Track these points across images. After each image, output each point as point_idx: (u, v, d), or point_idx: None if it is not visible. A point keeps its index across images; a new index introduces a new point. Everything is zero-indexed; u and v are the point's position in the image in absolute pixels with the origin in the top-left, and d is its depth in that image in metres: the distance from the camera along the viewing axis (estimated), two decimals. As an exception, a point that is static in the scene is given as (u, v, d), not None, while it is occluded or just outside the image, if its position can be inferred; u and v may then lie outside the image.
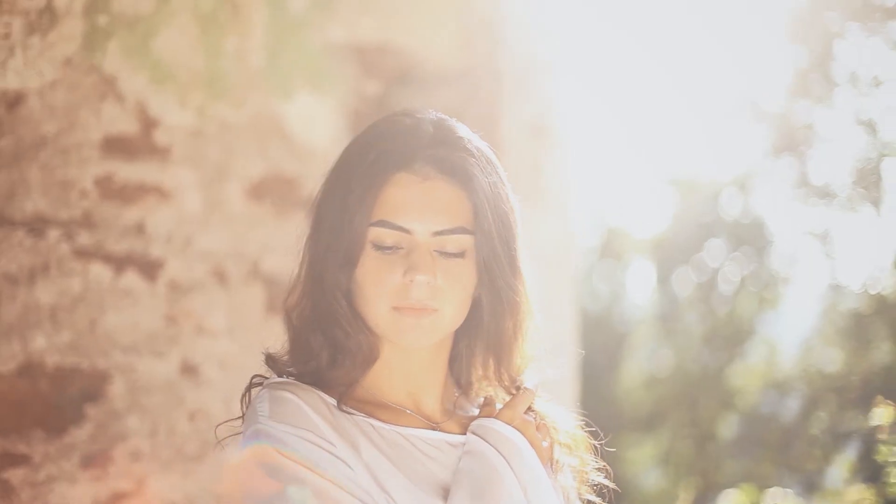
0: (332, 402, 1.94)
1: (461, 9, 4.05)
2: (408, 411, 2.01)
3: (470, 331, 2.04)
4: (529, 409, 2.07)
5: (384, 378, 2.01)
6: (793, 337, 11.46)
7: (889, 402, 5.49)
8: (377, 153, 1.92)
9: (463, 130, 1.99)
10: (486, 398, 2.08)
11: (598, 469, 2.11)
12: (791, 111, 10.88)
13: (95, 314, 3.27)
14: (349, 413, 1.94)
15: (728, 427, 10.83)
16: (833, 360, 10.90)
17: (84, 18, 3.26)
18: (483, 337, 2.04)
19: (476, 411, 2.10)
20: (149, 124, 3.41)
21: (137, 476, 3.31)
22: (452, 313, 1.95)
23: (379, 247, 1.91)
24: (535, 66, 4.12)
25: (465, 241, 1.93)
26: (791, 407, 10.88)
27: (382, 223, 1.90)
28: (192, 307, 3.46)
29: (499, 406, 2.06)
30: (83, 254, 3.26)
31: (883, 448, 5.63)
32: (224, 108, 3.54)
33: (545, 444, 2.05)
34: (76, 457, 3.21)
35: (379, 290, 1.91)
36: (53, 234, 3.20)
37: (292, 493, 1.83)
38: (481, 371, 2.10)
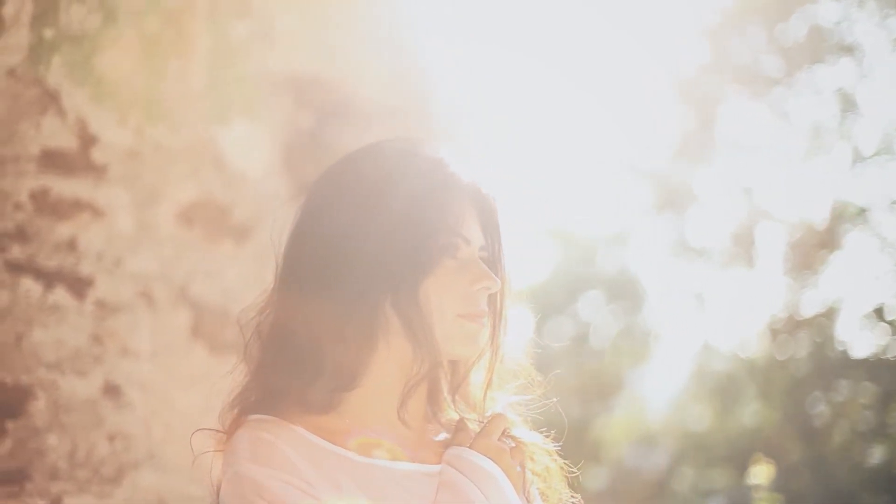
0: (314, 437, 1.96)
1: (394, 49, 4.10)
2: (386, 440, 2.03)
3: None
4: (504, 433, 2.10)
5: (371, 405, 2.03)
6: (662, 393, 11.65)
7: (768, 460, 5.60)
8: (448, 176, 2.03)
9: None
10: (458, 422, 2.11)
11: (573, 501, 2.15)
12: (673, 171, 11.11)
13: (22, 328, 3.23)
14: (331, 449, 1.97)
15: (594, 479, 10.95)
16: (701, 418, 11.12)
17: (31, 30, 3.23)
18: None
19: (446, 435, 2.13)
20: (88, 141, 3.38)
21: (54, 495, 3.26)
22: None
23: (451, 256, 2.00)
24: (462, 112, 4.19)
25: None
26: (657, 462, 11.04)
27: (461, 235, 2.00)
28: (117, 328, 3.42)
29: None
30: (14, 267, 3.22)
31: (760, 506, 5.73)
32: (161, 130, 3.53)
33: (519, 469, 2.09)
34: (-6, 472, 3.16)
35: (448, 296, 1.98)
36: (-15, 245, 3.17)
37: None
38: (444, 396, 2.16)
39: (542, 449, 2.15)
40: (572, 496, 2.16)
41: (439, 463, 2.04)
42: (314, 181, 2.09)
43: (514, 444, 2.10)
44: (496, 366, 2.09)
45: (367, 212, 1.98)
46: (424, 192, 1.98)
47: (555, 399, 2.18)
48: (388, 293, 1.96)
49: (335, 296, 1.96)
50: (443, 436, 2.12)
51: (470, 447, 2.04)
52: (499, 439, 2.07)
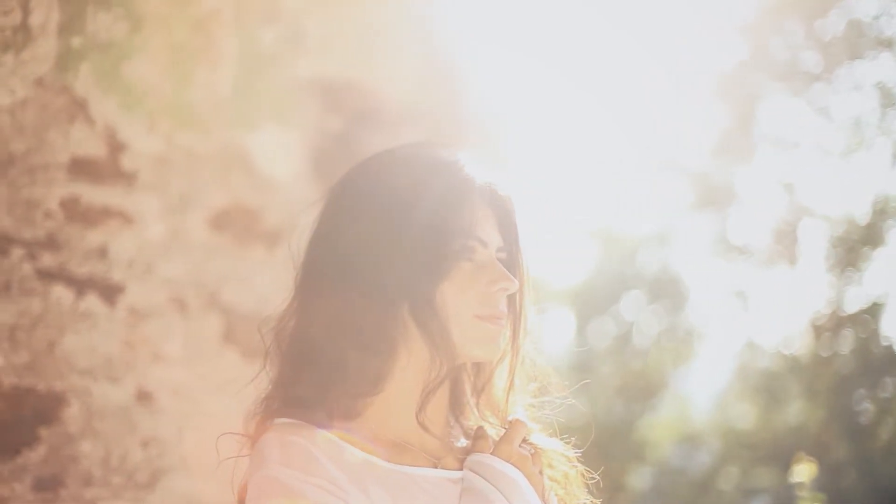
0: (342, 443, 1.96)
1: (424, 52, 4.10)
2: (410, 446, 2.02)
3: None
4: (524, 440, 2.09)
5: (394, 410, 2.02)
6: (705, 392, 11.60)
7: (810, 458, 5.54)
8: (462, 178, 2.02)
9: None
10: (477, 429, 2.10)
11: None
12: (713, 169, 11.06)
13: (54, 336, 3.25)
14: (359, 454, 1.96)
15: (639, 479, 10.91)
16: (745, 416, 11.06)
17: (58, 39, 3.24)
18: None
19: (465, 441, 2.12)
20: (116, 148, 3.40)
21: (88, 501, 3.28)
22: None
23: (467, 259, 2.00)
24: (493, 114, 4.18)
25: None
26: (702, 461, 10.99)
27: (476, 238, 2.00)
28: (149, 334, 3.44)
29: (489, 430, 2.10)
30: (45, 275, 3.23)
31: (803, 505, 5.66)
32: (191, 136, 3.54)
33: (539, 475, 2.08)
34: (28, 479, 3.17)
35: (465, 298, 1.97)
36: (17, 253, 3.18)
37: None
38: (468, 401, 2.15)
39: (561, 455, 2.14)
40: (592, 502, 2.15)
41: (461, 469, 2.03)
42: (330, 188, 2.09)
43: (533, 451, 2.09)
44: (517, 368, 2.08)
45: (381, 218, 1.98)
46: (438, 195, 1.98)
47: (572, 400, 2.16)
48: (405, 299, 1.95)
49: (352, 302, 1.96)
50: (464, 442, 2.12)
51: (492, 453, 2.03)
52: (519, 445, 2.06)
